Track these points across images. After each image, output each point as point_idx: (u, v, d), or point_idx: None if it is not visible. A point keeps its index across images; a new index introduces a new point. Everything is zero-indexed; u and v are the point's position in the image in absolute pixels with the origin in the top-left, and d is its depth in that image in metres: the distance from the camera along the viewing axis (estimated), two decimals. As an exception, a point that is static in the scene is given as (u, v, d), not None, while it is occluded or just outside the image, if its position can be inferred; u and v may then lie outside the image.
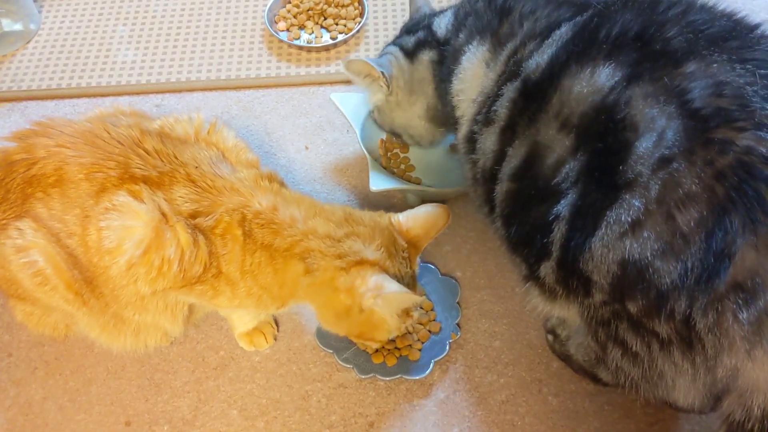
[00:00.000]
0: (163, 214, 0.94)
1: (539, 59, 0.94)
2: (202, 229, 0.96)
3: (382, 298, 0.95)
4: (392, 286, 0.95)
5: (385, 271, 0.98)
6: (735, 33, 0.86)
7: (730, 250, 0.76)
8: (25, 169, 0.98)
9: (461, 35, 1.13)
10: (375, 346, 1.16)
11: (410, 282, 1.03)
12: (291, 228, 0.98)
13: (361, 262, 0.97)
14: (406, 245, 1.04)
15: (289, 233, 0.97)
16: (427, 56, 1.22)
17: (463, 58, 1.11)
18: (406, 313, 1.03)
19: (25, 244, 0.98)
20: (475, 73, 1.08)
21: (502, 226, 1.01)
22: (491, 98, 1.01)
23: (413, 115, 1.30)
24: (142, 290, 0.97)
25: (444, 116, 1.25)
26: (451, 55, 1.15)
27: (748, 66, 0.81)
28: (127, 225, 0.93)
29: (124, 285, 0.97)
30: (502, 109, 0.98)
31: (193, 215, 0.96)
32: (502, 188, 0.98)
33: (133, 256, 0.94)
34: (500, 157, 0.98)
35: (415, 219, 1.05)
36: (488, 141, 1.01)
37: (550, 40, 0.95)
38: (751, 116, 0.78)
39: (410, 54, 1.25)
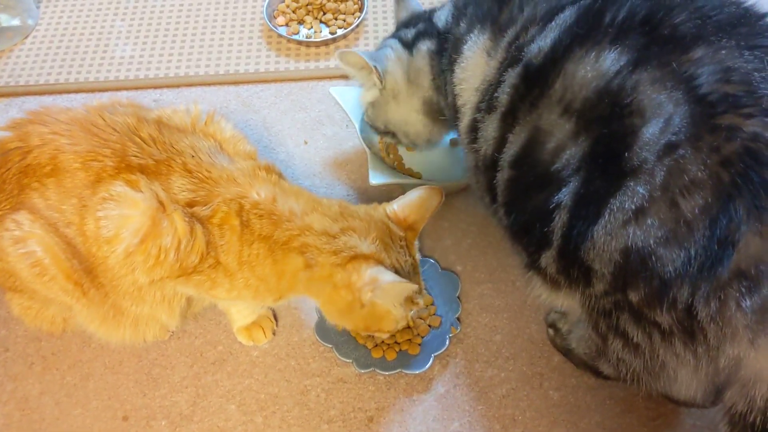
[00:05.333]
0: (160, 203, 0.93)
1: (542, 43, 0.93)
2: (200, 218, 0.95)
3: (380, 289, 0.94)
4: (387, 277, 0.94)
5: (381, 263, 0.97)
6: (744, 20, 0.85)
7: (734, 237, 0.76)
8: (20, 158, 0.97)
9: (462, 24, 1.12)
10: (384, 336, 1.14)
11: (411, 270, 1.02)
12: (290, 221, 0.97)
13: (357, 257, 0.96)
14: (402, 234, 1.03)
15: (287, 226, 0.97)
16: (425, 46, 1.21)
17: (465, 47, 1.09)
18: (411, 300, 1.02)
19: (23, 234, 0.97)
20: (476, 62, 1.07)
21: (503, 215, 1.00)
22: (493, 85, 1.01)
23: (410, 109, 1.27)
24: (139, 280, 0.96)
25: (440, 110, 1.24)
26: (453, 45, 1.13)
27: (756, 52, 0.80)
28: (124, 214, 0.93)
29: (122, 275, 0.97)
30: (503, 95, 0.97)
31: (190, 204, 0.95)
32: (503, 176, 0.98)
33: (131, 244, 0.93)
34: (501, 143, 0.97)
35: (410, 205, 1.04)
36: (490, 128, 1.00)
37: (553, 24, 0.94)
38: (758, 102, 0.77)
39: (409, 45, 1.23)
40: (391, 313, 1.00)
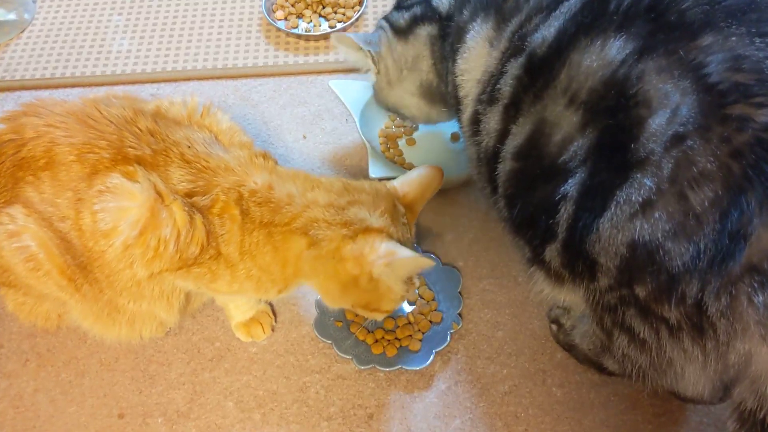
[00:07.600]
0: (159, 194, 0.91)
1: (546, 33, 0.91)
2: (199, 208, 0.94)
3: (395, 264, 0.93)
4: (405, 252, 0.93)
5: (390, 237, 0.96)
6: (754, 5, 0.82)
7: (745, 231, 0.74)
8: (14, 151, 0.95)
9: (465, 11, 1.10)
10: (380, 317, 1.11)
11: (411, 249, 1.00)
12: (289, 205, 0.96)
13: (368, 230, 0.95)
14: (404, 211, 1.02)
15: (287, 210, 0.95)
16: (425, 31, 1.20)
17: (468, 36, 1.08)
18: (409, 280, 1.01)
19: (17, 228, 0.95)
20: (479, 52, 1.06)
21: (504, 207, 0.99)
22: (495, 77, 0.99)
23: (404, 93, 1.28)
24: (138, 273, 0.95)
25: (440, 94, 1.23)
26: (455, 33, 1.12)
27: (767, 39, 0.78)
28: (122, 206, 0.91)
29: (120, 269, 0.95)
30: (505, 86, 0.95)
31: (190, 194, 0.94)
32: (504, 167, 0.96)
33: (129, 236, 0.91)
34: (503, 135, 0.96)
35: (410, 183, 1.04)
36: (492, 120, 0.99)
37: (557, 12, 0.92)
38: None
39: (403, 31, 1.22)
40: (392, 291, 0.98)
